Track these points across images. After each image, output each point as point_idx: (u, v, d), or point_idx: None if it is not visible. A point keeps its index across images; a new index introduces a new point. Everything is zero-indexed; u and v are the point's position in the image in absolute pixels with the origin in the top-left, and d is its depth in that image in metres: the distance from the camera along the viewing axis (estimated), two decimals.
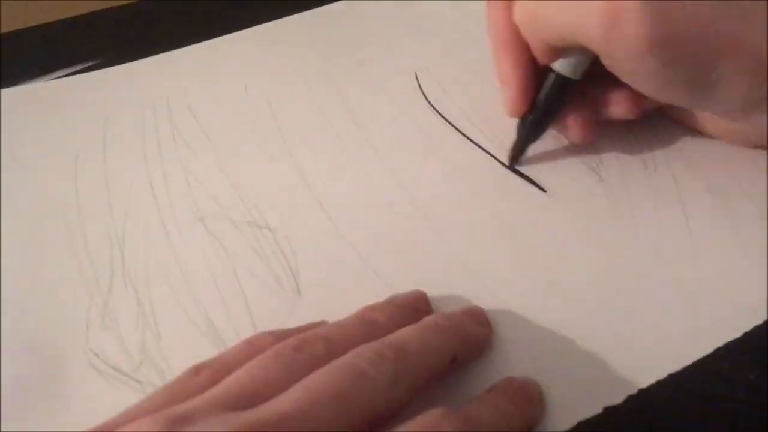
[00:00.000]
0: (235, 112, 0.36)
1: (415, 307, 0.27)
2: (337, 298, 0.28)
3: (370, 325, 0.25)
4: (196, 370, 0.22)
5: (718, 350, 0.25)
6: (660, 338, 0.26)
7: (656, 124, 0.34)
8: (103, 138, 0.35)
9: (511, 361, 0.25)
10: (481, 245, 0.29)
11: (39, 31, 0.43)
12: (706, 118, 0.32)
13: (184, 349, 0.26)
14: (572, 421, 0.24)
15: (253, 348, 0.23)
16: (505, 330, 0.26)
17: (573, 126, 0.32)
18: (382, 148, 0.34)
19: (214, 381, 0.22)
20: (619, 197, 0.31)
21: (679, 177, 0.31)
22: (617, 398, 0.24)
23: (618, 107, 0.31)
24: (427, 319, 0.25)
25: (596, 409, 0.24)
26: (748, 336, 0.25)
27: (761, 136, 0.31)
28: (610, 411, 0.24)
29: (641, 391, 0.24)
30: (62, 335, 0.27)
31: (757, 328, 0.25)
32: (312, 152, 0.34)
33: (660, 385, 0.24)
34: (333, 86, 0.37)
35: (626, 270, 0.28)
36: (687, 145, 0.33)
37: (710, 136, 0.33)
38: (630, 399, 0.24)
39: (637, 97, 0.30)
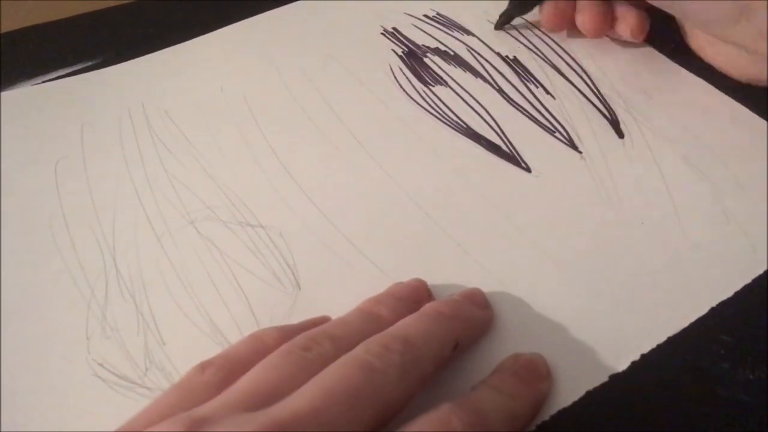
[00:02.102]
0: (213, 114, 0.36)
1: (417, 297, 0.27)
2: (338, 289, 0.28)
3: (374, 319, 0.25)
4: (203, 367, 0.22)
5: (718, 350, 0.25)
6: (655, 304, 0.27)
7: (629, 96, 0.35)
8: (81, 145, 0.34)
9: (514, 340, 0.26)
10: (473, 227, 0.30)
11: (39, 31, 0.42)
12: (703, 40, 0.34)
13: (190, 352, 0.25)
14: (580, 392, 0.24)
15: (259, 342, 0.23)
16: (505, 309, 0.27)
17: (546, 12, 0.37)
18: (364, 140, 0.34)
19: (222, 377, 0.22)
20: (600, 171, 0.32)
21: (654, 149, 0.32)
22: (622, 366, 0.25)
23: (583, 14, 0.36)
24: (428, 307, 0.25)
25: (602, 378, 0.25)
26: (748, 336, 0.26)
27: (755, 66, 0.32)
28: (616, 379, 0.25)
29: (644, 357, 0.25)
30: (62, 347, 0.26)
31: (757, 328, 0.26)
32: (295, 148, 0.34)
33: (662, 349, 0.25)
34: (310, 81, 0.37)
35: (616, 241, 0.29)
36: (658, 115, 0.34)
37: (713, 66, 0.35)
38: (635, 365, 0.25)
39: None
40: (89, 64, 0.40)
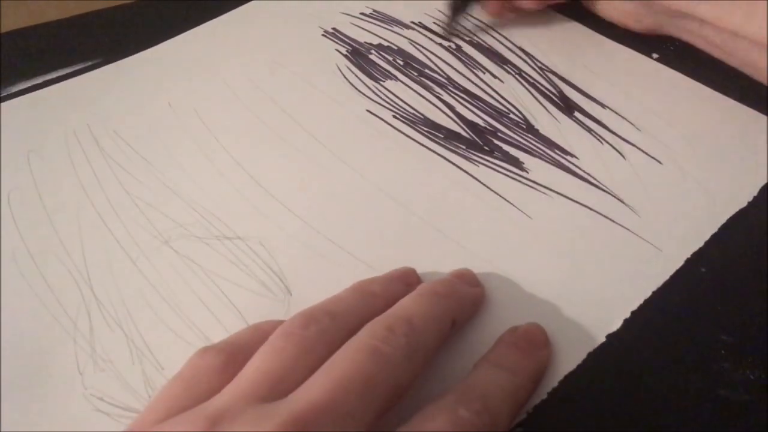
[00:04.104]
0: (165, 130, 0.35)
1: (407, 280, 0.27)
2: (328, 289, 0.27)
3: (368, 294, 0.25)
4: (203, 351, 0.22)
5: (718, 350, 0.25)
6: (635, 262, 0.28)
7: (569, 71, 0.37)
8: (31, 174, 0.32)
9: (508, 315, 0.27)
10: (448, 212, 0.30)
11: (39, 31, 0.41)
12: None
13: None
14: (581, 355, 0.25)
15: (259, 332, 0.23)
16: (495, 286, 0.27)
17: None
18: (326, 140, 0.34)
19: (223, 360, 0.21)
20: (559, 145, 0.33)
21: (605, 118, 0.34)
22: (615, 325, 0.26)
23: None
24: (423, 288, 0.25)
25: (600, 339, 0.26)
26: (748, 336, 0.26)
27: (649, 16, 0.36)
28: (612, 338, 0.26)
29: (634, 314, 0.26)
30: (56, 386, 0.25)
31: (757, 328, 0.26)
32: (258, 155, 0.33)
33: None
34: (259, 89, 0.37)
35: (586, 208, 0.30)
36: (599, 86, 0.36)
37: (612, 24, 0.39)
38: (627, 323, 0.26)
39: None
40: (89, 64, 0.39)
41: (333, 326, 0.22)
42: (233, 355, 0.22)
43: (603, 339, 0.26)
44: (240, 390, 0.20)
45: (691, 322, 0.26)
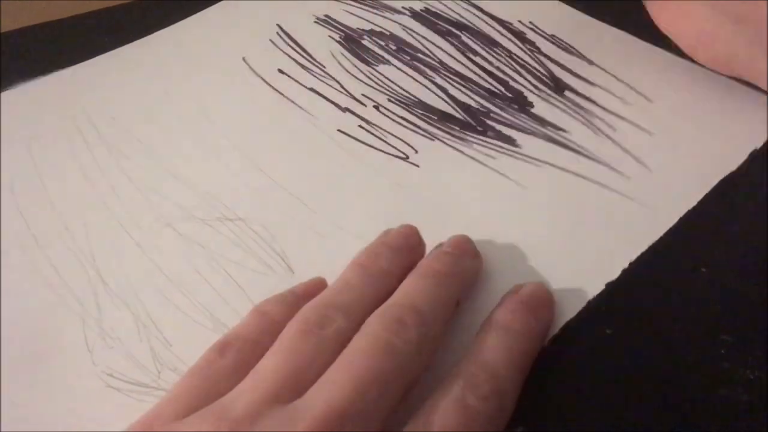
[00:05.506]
0: (164, 116, 0.35)
1: (410, 244, 0.27)
2: (330, 266, 0.28)
3: (379, 277, 0.25)
4: (221, 350, 0.22)
5: (718, 350, 0.25)
6: (629, 221, 0.29)
7: (560, 54, 0.37)
8: (33, 160, 0.33)
9: (506, 282, 0.27)
10: (447, 183, 0.31)
11: (39, 31, 0.42)
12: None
13: (199, 349, 0.25)
14: (581, 304, 0.26)
15: (266, 319, 0.24)
16: (492, 255, 0.28)
17: None
18: (323, 123, 0.34)
19: (242, 360, 0.22)
20: (552, 123, 0.34)
21: (594, 96, 0.35)
22: (614, 275, 0.27)
23: None
24: (426, 269, 0.25)
25: (599, 288, 0.26)
26: (748, 336, 0.25)
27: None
28: (611, 286, 0.26)
29: (632, 264, 0.27)
30: (66, 364, 0.25)
31: (757, 328, 0.26)
32: (256, 138, 0.34)
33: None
34: (256, 73, 0.37)
35: (579, 174, 0.31)
36: (588, 67, 0.36)
37: None
38: (625, 272, 0.27)
39: None
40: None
41: (348, 324, 0.22)
42: (251, 355, 0.22)
43: (602, 287, 0.26)
44: (260, 390, 0.20)
45: (691, 322, 0.26)
